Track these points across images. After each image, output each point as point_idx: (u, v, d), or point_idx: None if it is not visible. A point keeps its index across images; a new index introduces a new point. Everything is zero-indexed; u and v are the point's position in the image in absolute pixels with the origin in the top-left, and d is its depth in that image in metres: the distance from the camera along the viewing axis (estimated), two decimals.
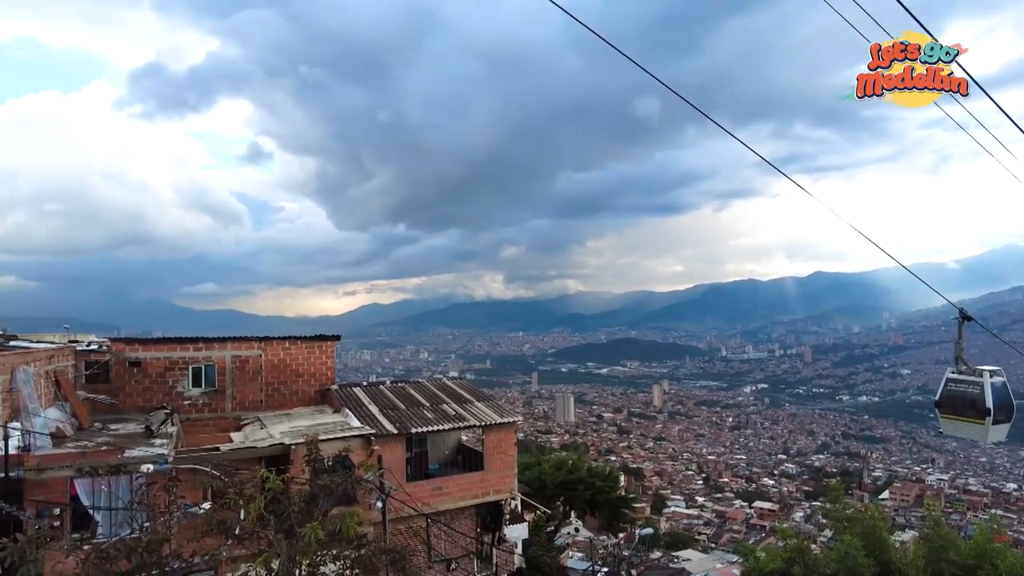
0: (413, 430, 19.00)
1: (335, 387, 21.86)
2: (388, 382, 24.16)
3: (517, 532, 21.84)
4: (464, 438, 23.67)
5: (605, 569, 30.31)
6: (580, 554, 41.66)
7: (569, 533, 44.73)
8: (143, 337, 21.84)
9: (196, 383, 20.71)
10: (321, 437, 14.23)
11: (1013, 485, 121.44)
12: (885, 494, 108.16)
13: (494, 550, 20.70)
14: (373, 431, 17.61)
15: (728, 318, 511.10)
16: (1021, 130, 7.72)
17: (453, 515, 20.20)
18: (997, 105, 7.43)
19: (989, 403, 9.61)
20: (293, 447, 15.41)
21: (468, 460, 21.80)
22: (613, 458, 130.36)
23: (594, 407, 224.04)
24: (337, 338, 23.13)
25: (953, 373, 10.38)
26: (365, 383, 23.85)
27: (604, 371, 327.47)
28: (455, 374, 28.08)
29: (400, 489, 17.27)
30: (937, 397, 10.43)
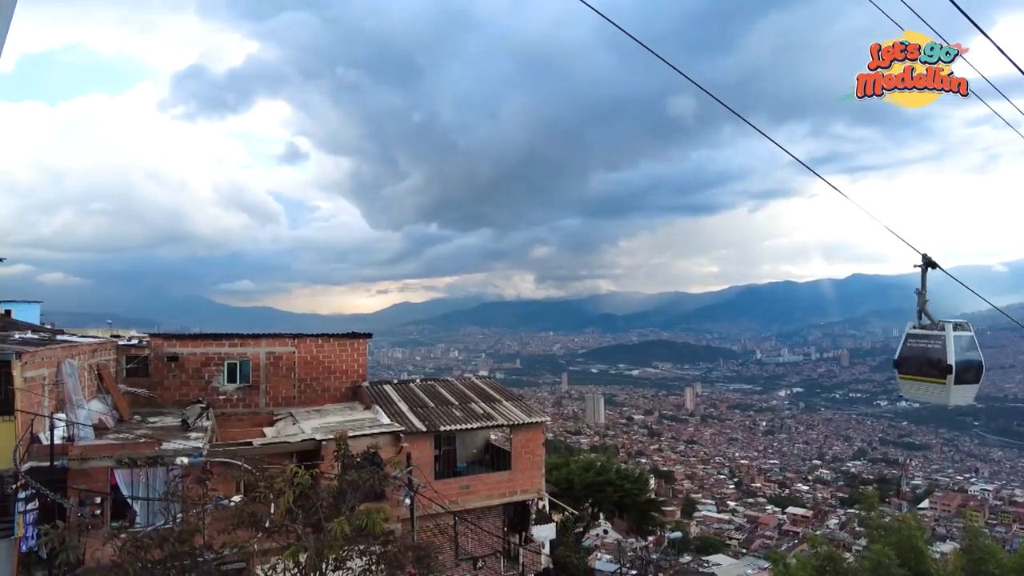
0: (442, 428, 19.14)
1: (366, 384, 22.15)
2: (418, 380, 24.41)
3: (544, 532, 21.78)
4: (493, 437, 23.75)
5: (634, 572, 30.11)
6: (608, 556, 41.48)
7: (597, 535, 44.58)
8: (181, 333, 22.46)
9: (231, 379, 21.20)
10: (351, 433, 14.44)
11: None
12: (924, 503, 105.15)
13: (521, 550, 20.71)
14: (402, 428, 17.79)
15: (763, 320, 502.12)
16: None
17: (480, 514, 20.28)
18: None
19: (951, 359, 8.68)
20: (324, 443, 15.66)
21: (496, 459, 21.86)
22: (643, 460, 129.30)
23: (624, 409, 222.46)
24: (369, 336, 23.44)
25: (914, 328, 9.43)
26: (395, 381, 24.13)
27: (635, 372, 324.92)
28: (485, 373, 28.19)
29: (428, 486, 17.42)
30: (896, 355, 9.57)
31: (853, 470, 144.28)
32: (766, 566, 19.80)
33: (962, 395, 9.16)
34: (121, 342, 20.44)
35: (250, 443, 15.83)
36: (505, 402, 22.18)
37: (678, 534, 59.96)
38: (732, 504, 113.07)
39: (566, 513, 25.83)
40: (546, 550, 22.07)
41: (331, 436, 13.99)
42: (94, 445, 13.78)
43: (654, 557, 37.20)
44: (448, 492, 19.01)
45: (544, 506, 22.61)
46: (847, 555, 17.09)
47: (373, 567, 9.59)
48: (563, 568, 23.92)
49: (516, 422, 20.55)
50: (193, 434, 15.24)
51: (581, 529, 33.57)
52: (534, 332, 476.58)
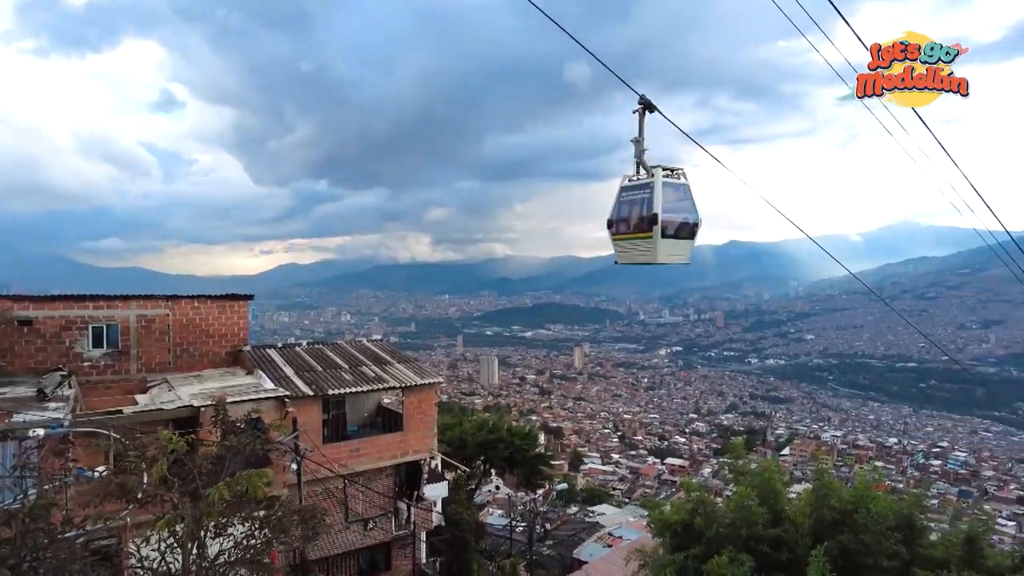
0: (330, 392, 18.78)
1: (248, 349, 21.20)
2: (305, 344, 23.66)
3: (436, 491, 22.10)
4: (386, 400, 23.61)
5: (523, 524, 31.29)
6: (500, 511, 42.78)
7: (489, 491, 45.74)
8: (36, 295, 20.30)
9: (97, 344, 19.54)
10: (231, 399, 13.83)
11: (894, 440, 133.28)
12: (786, 450, 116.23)
13: (412, 509, 20.94)
14: (287, 393, 17.26)
15: (647, 284, 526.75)
16: (918, 114, 8.22)
17: (372, 476, 20.26)
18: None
19: (657, 207, 7.86)
20: (202, 409, 14.91)
21: (388, 421, 21.80)
22: (534, 418, 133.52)
23: (518, 369, 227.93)
24: (250, 298, 22.32)
25: (628, 181, 8.44)
26: (280, 345, 23.25)
27: (529, 334, 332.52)
28: (378, 337, 27.77)
29: (316, 451, 17.12)
30: (609, 215, 8.63)
31: (726, 422, 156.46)
32: (645, 513, 21.26)
33: (672, 250, 8.31)
34: None
35: (120, 411, 14.79)
36: (397, 364, 22.06)
37: (564, 486, 62.74)
38: (616, 457, 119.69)
39: (458, 471, 26.30)
40: (438, 508, 22.45)
41: (210, 402, 13.34)
42: None
43: (542, 509, 38.78)
44: (338, 456, 18.81)
45: (436, 465, 22.90)
46: (717, 499, 18.52)
47: (256, 532, 9.37)
48: (455, 524, 24.44)
49: (408, 384, 20.53)
50: (52, 404, 14.00)
51: (473, 486, 34.33)
52: (430, 295, 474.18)
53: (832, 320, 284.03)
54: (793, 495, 18.86)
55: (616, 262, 8.73)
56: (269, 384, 17.92)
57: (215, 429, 11.01)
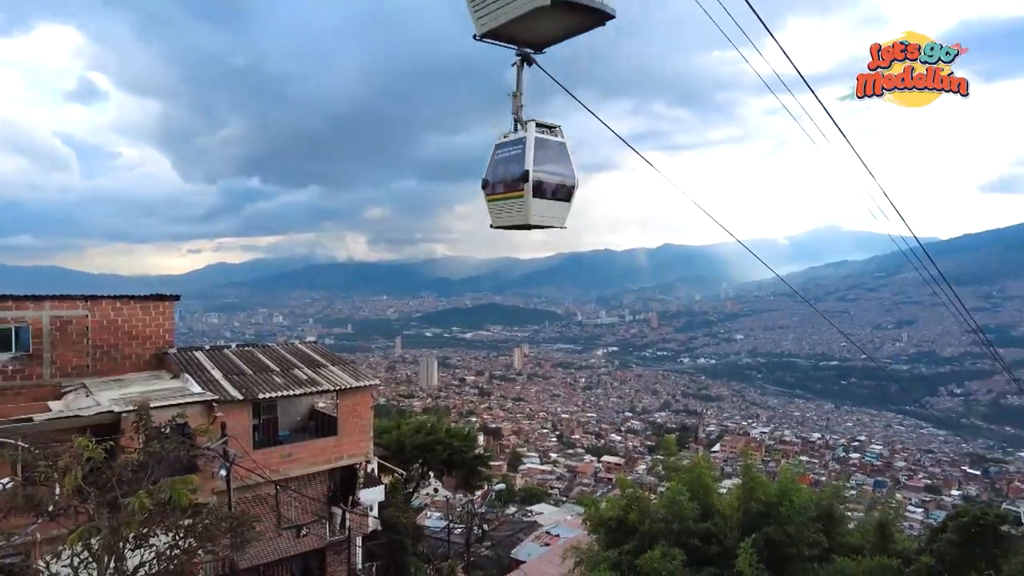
0: (260, 396, 18.20)
1: (174, 351, 20.30)
2: (234, 346, 22.85)
3: (372, 495, 21.75)
4: (321, 404, 23.10)
5: (461, 526, 31.19)
6: (438, 513, 42.52)
7: (428, 493, 45.38)
8: None
9: (4, 347, 18.27)
10: (155, 403, 13.23)
11: (818, 435, 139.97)
12: (716, 447, 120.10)
13: (347, 513, 20.55)
14: (215, 397, 16.64)
15: (585, 285, 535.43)
16: (837, 125, 8.63)
17: (305, 481, 19.76)
18: (819, 100, 8.23)
19: (528, 163, 7.29)
20: (123, 415, 14.18)
21: (322, 425, 21.32)
22: (473, 419, 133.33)
23: (457, 370, 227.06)
24: (176, 298, 21.37)
25: (503, 137, 7.87)
26: (209, 347, 22.37)
27: (469, 335, 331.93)
28: (312, 339, 27.11)
29: (246, 456, 16.57)
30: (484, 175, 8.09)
31: (659, 420, 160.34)
32: (582, 511, 21.64)
33: (546, 212, 7.69)
34: None
35: (30, 419, 13.89)
36: (332, 367, 21.59)
37: (503, 486, 63.07)
38: (554, 456, 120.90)
39: (395, 475, 25.98)
40: (374, 512, 22.11)
41: (131, 407, 12.71)
42: None
43: (481, 510, 38.79)
44: (269, 461, 18.25)
45: (372, 469, 22.54)
46: (651, 495, 18.98)
47: (180, 542, 8.97)
48: (391, 528, 24.12)
49: (343, 387, 20.11)
50: None
51: (411, 489, 33.97)
52: (367, 296, 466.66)
53: (760, 321, 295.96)
54: (723, 490, 19.56)
55: (491, 226, 8.10)
56: (196, 388, 17.22)
57: (137, 435, 10.49)
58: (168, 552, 9.01)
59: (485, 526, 33.45)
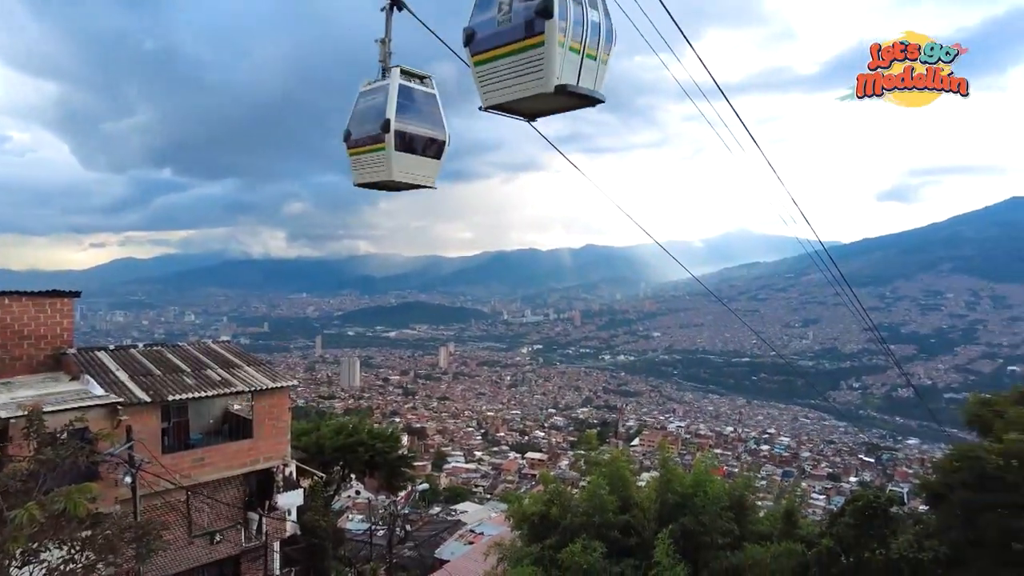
0: (170, 397, 17.25)
1: (73, 352, 18.93)
2: (142, 346, 21.58)
3: (291, 499, 21.07)
4: (236, 406, 22.16)
5: (383, 527, 30.74)
6: (360, 515, 41.73)
7: (349, 496, 44.42)
8: None
9: None
10: (49, 407, 12.30)
11: (731, 428, 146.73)
12: (635, 441, 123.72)
13: (264, 518, 19.82)
14: (120, 400, 15.65)
15: (510, 284, 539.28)
16: (750, 134, 9.02)
17: (218, 486, 18.90)
18: (733, 109, 8.59)
19: (391, 112, 6.67)
20: (11, 420, 13.10)
21: (236, 428, 20.44)
22: (397, 420, 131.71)
23: (381, 370, 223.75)
24: (76, 295, 19.91)
25: (367, 85, 7.21)
26: (113, 347, 21.02)
27: (393, 334, 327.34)
28: (227, 338, 25.96)
29: (154, 461, 15.67)
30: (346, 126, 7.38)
31: (581, 416, 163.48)
32: (505, 507, 21.81)
33: (411, 167, 7.00)
34: None
35: None
36: (247, 367, 20.73)
37: (426, 486, 62.59)
38: (479, 454, 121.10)
39: (315, 477, 25.30)
40: (292, 516, 21.44)
41: (20, 412, 11.75)
42: None
43: (404, 511, 38.35)
44: (179, 466, 17.35)
45: (291, 472, 21.84)
46: (573, 490, 19.32)
47: (76, 555, 8.37)
48: (311, 532, 23.47)
49: (258, 388, 19.35)
50: None
51: (331, 492, 33.16)
52: (285, 294, 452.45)
53: (676, 319, 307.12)
54: (642, 483, 20.21)
55: (354, 184, 7.35)
56: (99, 390, 16.14)
57: (28, 442, 9.71)
58: (62, 567, 8.37)
59: (408, 527, 33.15)
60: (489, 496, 76.28)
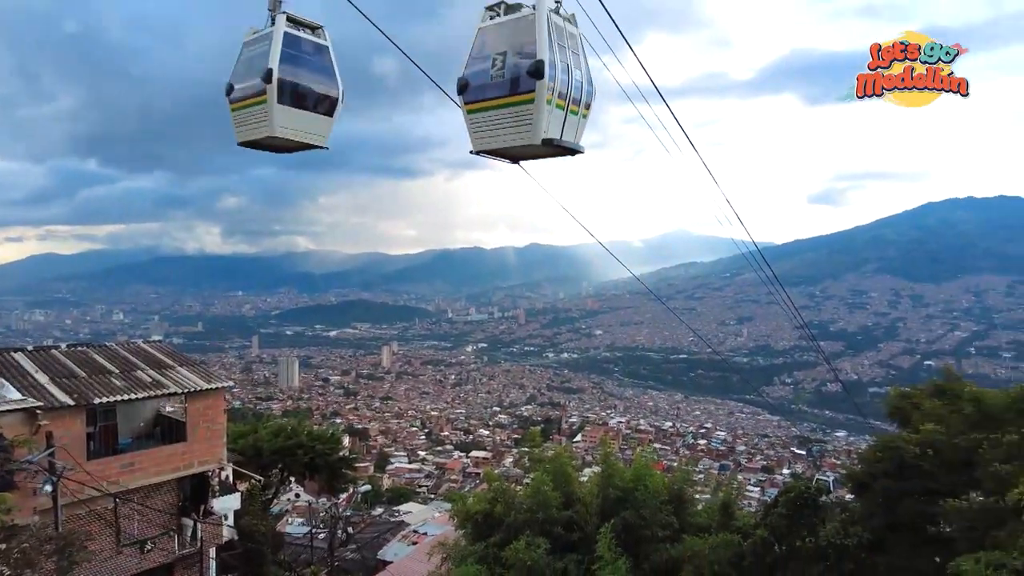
0: (96, 400, 16.44)
1: None
2: (64, 346, 20.47)
3: (227, 503, 20.41)
4: (170, 408, 21.31)
5: (325, 530, 30.15)
6: (300, 519, 40.75)
7: (289, 499, 43.35)
8: None
9: None
10: None
11: (669, 423, 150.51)
12: (578, 437, 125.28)
13: (199, 524, 19.13)
14: (39, 403, 14.81)
15: (455, 282, 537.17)
16: (688, 137, 9.26)
17: (149, 492, 18.13)
18: (672, 113, 8.79)
19: (273, 62, 6.30)
20: None
21: (169, 431, 19.66)
22: (338, 421, 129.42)
23: (321, 371, 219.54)
24: None
25: (252, 34, 6.81)
26: (32, 347, 19.86)
27: (333, 333, 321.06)
28: (158, 338, 24.97)
29: (78, 468, 14.89)
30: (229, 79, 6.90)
31: (526, 414, 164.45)
32: (449, 507, 21.77)
33: (298, 123, 6.56)
34: None
35: None
36: (180, 368, 19.96)
37: (368, 488, 61.72)
38: (423, 454, 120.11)
39: (252, 481, 24.60)
40: (229, 521, 20.78)
41: None
42: None
43: (346, 513, 37.70)
44: (107, 472, 16.55)
45: (227, 476, 21.17)
46: (517, 487, 19.45)
47: None
48: (249, 537, 22.79)
49: (192, 389, 18.67)
50: None
51: (270, 495, 32.33)
52: (220, 291, 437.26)
53: (617, 317, 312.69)
54: (584, 478, 20.53)
55: (237, 143, 6.84)
56: (15, 394, 15.21)
57: None
58: None
59: (350, 529, 32.60)
60: (433, 496, 75.77)
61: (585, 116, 6.53)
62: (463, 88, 6.33)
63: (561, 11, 6.36)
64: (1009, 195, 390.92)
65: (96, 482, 15.56)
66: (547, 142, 6.10)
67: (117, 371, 18.54)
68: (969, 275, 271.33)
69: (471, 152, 6.30)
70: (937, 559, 11.73)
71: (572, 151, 6.54)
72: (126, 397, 17.18)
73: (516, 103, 5.95)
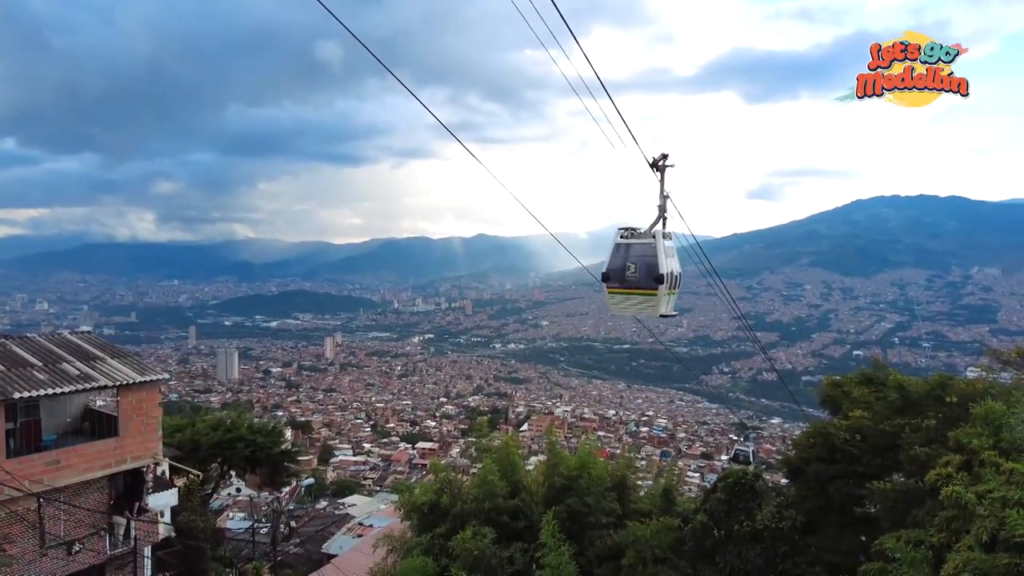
0: (15, 395, 15.54)
1: None
2: None
3: (163, 499, 19.73)
4: (100, 402, 20.36)
5: (267, 525, 29.52)
6: (242, 514, 39.77)
7: (229, 494, 42.21)
8: None
9: None
10: None
11: (613, 411, 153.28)
12: (525, 426, 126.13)
13: (133, 522, 18.40)
14: None
15: (401, 272, 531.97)
16: (630, 131, 9.40)
17: (78, 490, 17.31)
18: (616, 108, 8.88)
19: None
20: None
21: (100, 426, 18.82)
22: (280, 413, 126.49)
23: (262, 362, 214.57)
24: None
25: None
26: None
27: (274, 324, 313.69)
28: (87, 329, 23.78)
29: None
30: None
31: (473, 404, 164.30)
32: (396, 498, 21.58)
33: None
34: None
35: None
36: (111, 360, 19.06)
37: (312, 481, 60.68)
38: (368, 446, 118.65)
39: (190, 476, 23.81)
40: (166, 518, 20.08)
41: None
42: None
43: (289, 507, 37.03)
44: (30, 471, 15.72)
45: (163, 472, 20.44)
46: (464, 477, 19.45)
47: None
48: (187, 534, 22.07)
49: (124, 382, 17.88)
50: None
51: (209, 490, 31.39)
52: (155, 280, 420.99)
53: (563, 308, 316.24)
54: (530, 467, 20.71)
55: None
56: None
57: None
58: None
59: (293, 523, 32.04)
60: (379, 488, 75.08)
61: (676, 294, 10.83)
62: (607, 278, 10.83)
63: (666, 232, 10.15)
64: (928, 194, 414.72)
65: (17, 481, 14.77)
66: (662, 318, 10.90)
67: (40, 363, 17.57)
68: (894, 269, 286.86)
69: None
70: (863, 538, 12.37)
71: (671, 317, 11.17)
72: (49, 391, 16.29)
73: (646, 294, 10.31)
